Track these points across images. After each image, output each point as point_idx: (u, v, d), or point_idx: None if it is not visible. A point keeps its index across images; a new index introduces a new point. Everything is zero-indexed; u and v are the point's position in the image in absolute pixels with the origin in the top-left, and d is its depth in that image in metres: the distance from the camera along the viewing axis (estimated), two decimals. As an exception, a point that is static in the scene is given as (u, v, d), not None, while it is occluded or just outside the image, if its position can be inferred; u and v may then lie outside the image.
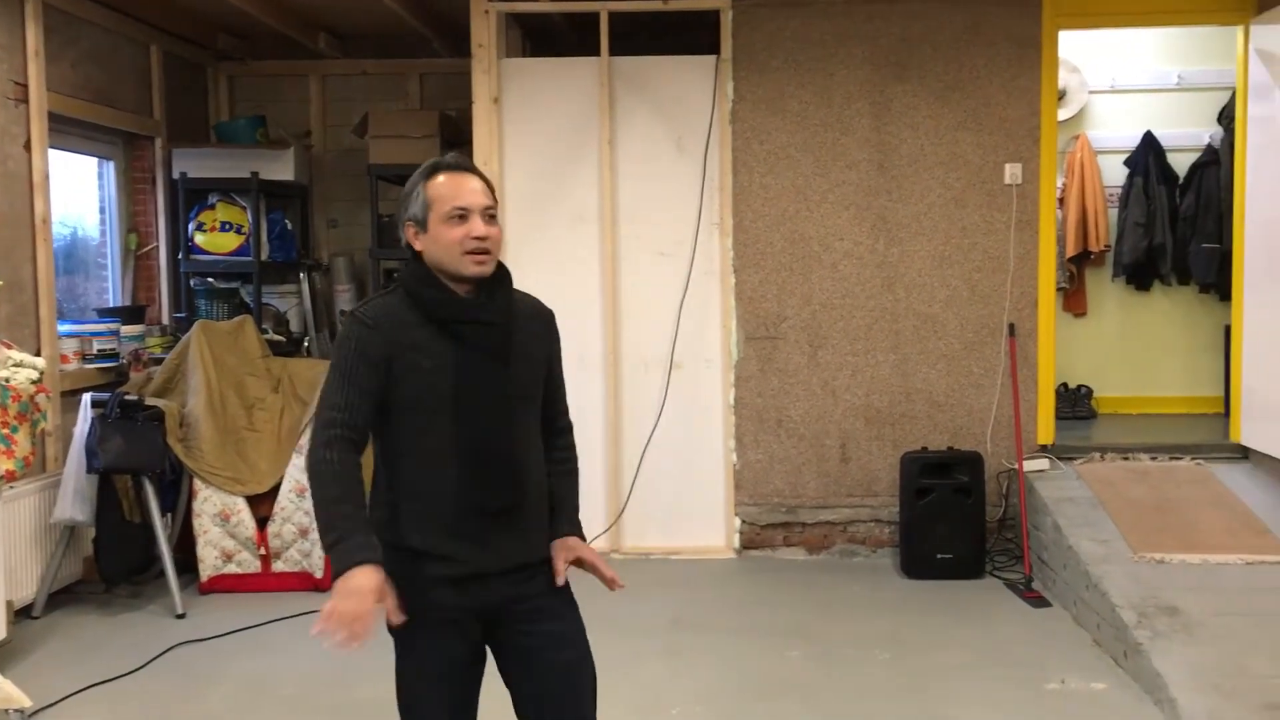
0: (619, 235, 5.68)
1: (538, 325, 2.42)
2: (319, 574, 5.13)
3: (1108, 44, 6.76)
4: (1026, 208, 5.55)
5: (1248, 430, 5.53)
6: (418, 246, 2.31)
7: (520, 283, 2.42)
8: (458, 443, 2.27)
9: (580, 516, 2.49)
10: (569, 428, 2.55)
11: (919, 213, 5.58)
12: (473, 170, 2.34)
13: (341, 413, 2.26)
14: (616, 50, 5.63)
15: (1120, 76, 6.89)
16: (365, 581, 2.13)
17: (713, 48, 5.68)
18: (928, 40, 5.53)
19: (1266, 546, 4.60)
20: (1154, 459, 5.54)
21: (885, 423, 5.63)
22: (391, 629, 2.31)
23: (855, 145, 5.58)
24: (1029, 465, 5.42)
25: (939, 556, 5.24)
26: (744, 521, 5.68)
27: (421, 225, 2.29)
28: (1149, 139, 6.79)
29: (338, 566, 2.18)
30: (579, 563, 2.39)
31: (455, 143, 6.39)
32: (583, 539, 2.42)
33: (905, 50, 5.54)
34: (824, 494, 5.67)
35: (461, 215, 2.26)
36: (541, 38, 6.35)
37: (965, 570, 5.23)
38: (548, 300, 2.48)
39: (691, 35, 6.01)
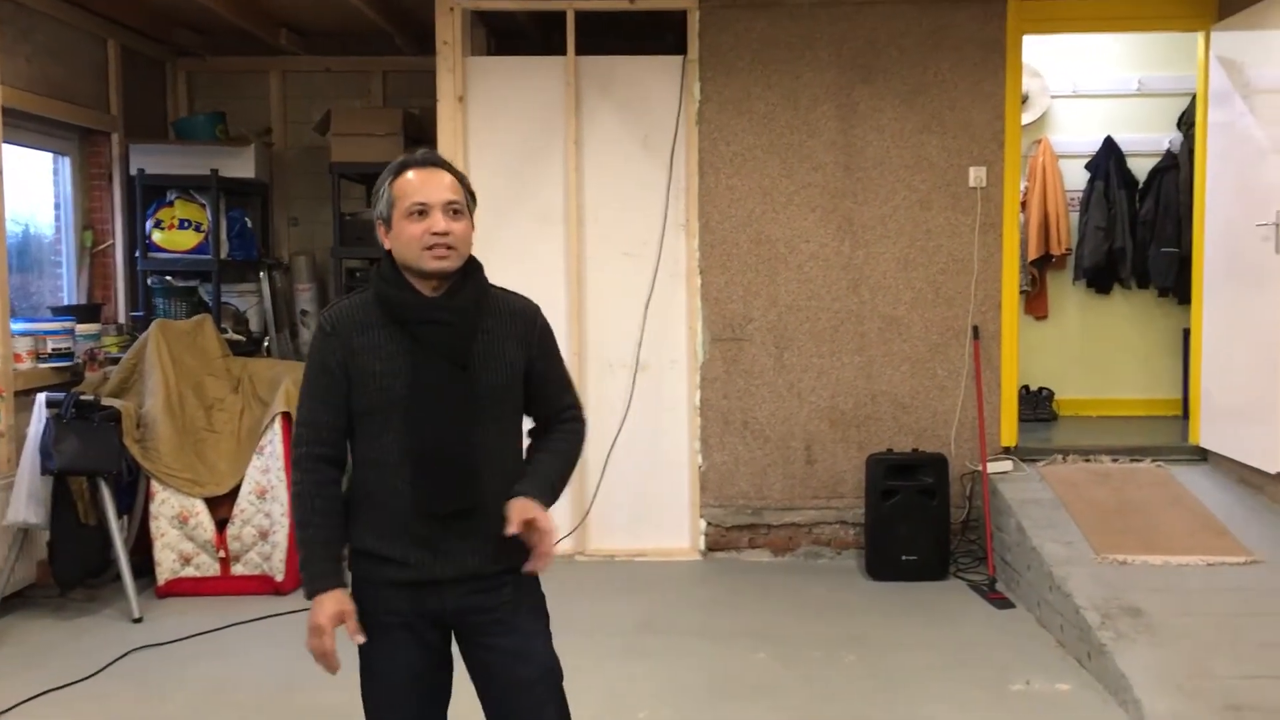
0: (584, 235, 5.65)
1: (516, 324, 2.34)
2: (279, 577, 5.06)
3: (1069, 49, 6.82)
4: (990, 211, 5.57)
5: (1207, 432, 5.59)
6: (387, 245, 2.28)
7: (483, 282, 2.38)
8: (410, 447, 2.23)
9: (558, 497, 2.35)
10: (574, 418, 2.44)
11: (884, 215, 5.59)
12: (442, 165, 2.29)
13: (309, 428, 2.27)
14: (583, 50, 5.60)
15: (1081, 82, 6.95)
16: (321, 615, 2.19)
17: (679, 48, 5.67)
18: (894, 43, 5.54)
19: (1227, 548, 4.64)
20: (1115, 461, 5.59)
21: (850, 424, 5.64)
22: None
23: (821, 147, 5.58)
24: (992, 467, 5.45)
25: (904, 558, 5.25)
26: (709, 523, 5.67)
27: (387, 222, 2.26)
28: (1109, 144, 6.85)
29: (305, 594, 2.25)
30: (530, 526, 2.23)
31: (419, 141, 6.33)
32: (541, 504, 2.26)
33: (872, 53, 5.55)
34: (789, 496, 5.66)
35: (421, 210, 2.21)
36: (507, 36, 6.31)
37: (929, 572, 5.24)
38: (512, 301, 2.44)
39: (658, 36, 5.99)
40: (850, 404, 5.63)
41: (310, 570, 2.24)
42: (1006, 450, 5.63)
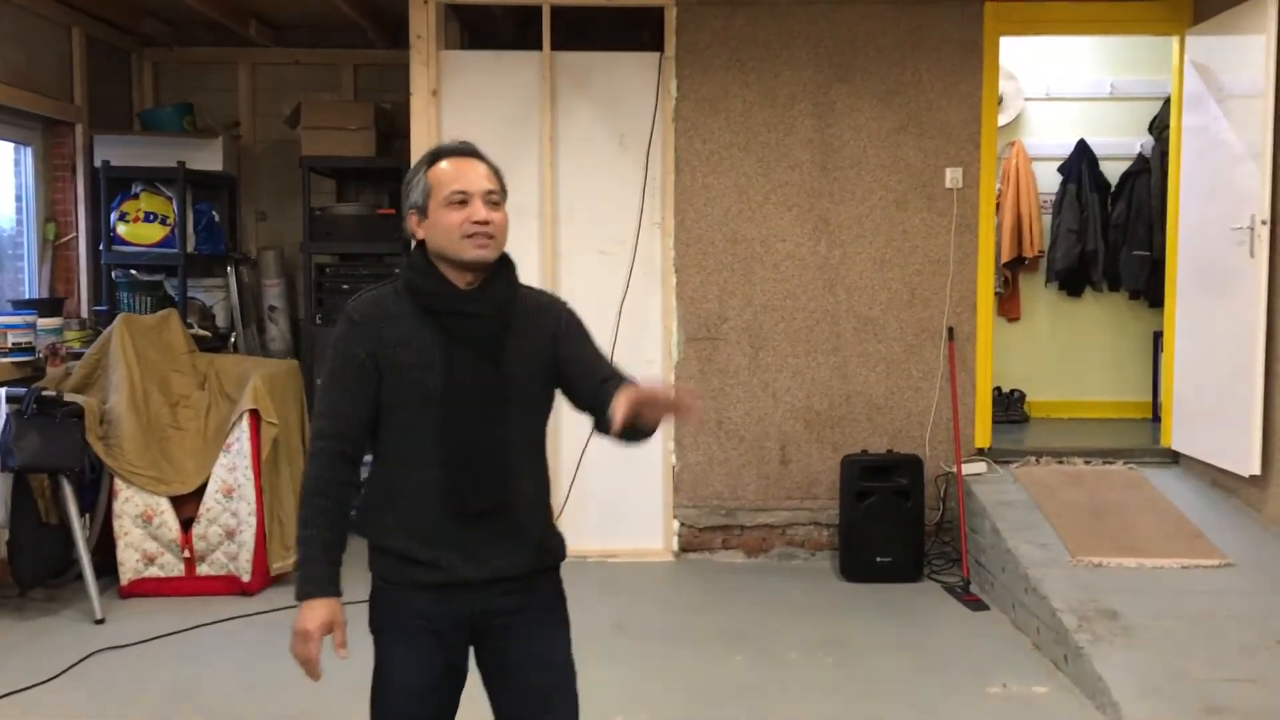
0: (559, 233, 5.59)
1: (545, 321, 2.29)
2: (246, 577, 4.96)
3: (1043, 52, 6.84)
4: (966, 212, 5.56)
5: (1178, 435, 5.61)
6: (420, 235, 2.22)
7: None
8: (442, 443, 2.17)
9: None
10: (623, 378, 2.23)
11: (860, 215, 5.57)
12: (477, 155, 2.24)
13: (328, 421, 2.20)
14: (559, 45, 5.54)
15: (1055, 84, 6.97)
16: (309, 621, 2.13)
17: (656, 45, 5.62)
18: (872, 43, 5.52)
19: (1201, 550, 4.65)
20: (1088, 463, 5.60)
21: (825, 425, 5.61)
22: (373, 629, 2.26)
23: (798, 146, 5.55)
24: (967, 469, 5.44)
25: (878, 560, 5.23)
26: (683, 524, 5.62)
27: (422, 211, 2.20)
28: (1082, 147, 6.88)
29: (296, 595, 2.18)
30: (646, 403, 2.00)
31: (391, 135, 6.26)
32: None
33: (850, 52, 5.53)
34: (763, 496, 5.63)
35: (462, 199, 2.17)
36: (481, 31, 6.23)
37: (904, 574, 5.22)
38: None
39: (635, 32, 5.94)
40: (825, 404, 5.60)
41: (307, 571, 2.18)
42: (980, 452, 5.63)
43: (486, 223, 2.17)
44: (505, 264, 2.26)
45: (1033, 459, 5.62)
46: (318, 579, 2.17)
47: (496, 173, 2.25)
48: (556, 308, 2.34)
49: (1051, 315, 7.13)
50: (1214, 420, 5.28)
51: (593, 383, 2.26)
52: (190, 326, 5.78)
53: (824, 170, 5.55)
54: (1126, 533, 4.83)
